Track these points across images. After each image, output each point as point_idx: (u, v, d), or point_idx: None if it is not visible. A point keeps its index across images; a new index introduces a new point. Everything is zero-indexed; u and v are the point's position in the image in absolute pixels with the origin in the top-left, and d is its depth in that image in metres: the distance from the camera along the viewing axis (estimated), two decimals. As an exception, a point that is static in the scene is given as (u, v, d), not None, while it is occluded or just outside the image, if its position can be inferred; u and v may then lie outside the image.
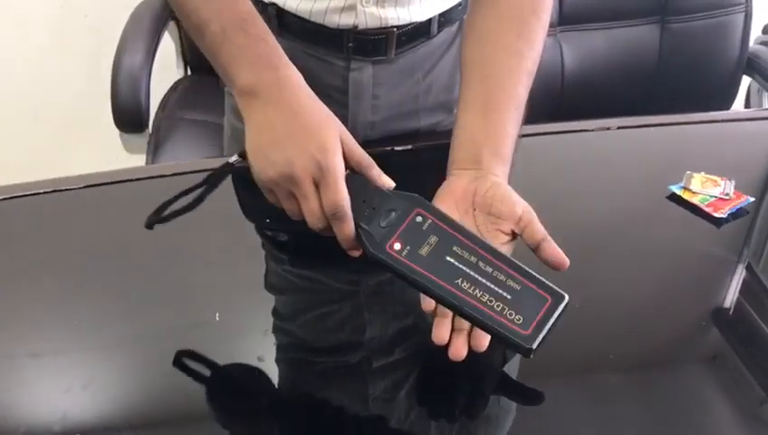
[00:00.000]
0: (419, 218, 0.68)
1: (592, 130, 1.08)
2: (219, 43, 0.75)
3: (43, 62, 2.05)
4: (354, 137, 1.00)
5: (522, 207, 0.71)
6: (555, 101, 1.64)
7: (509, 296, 0.64)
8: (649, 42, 1.64)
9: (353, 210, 0.70)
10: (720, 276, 0.87)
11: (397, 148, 0.98)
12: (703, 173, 0.94)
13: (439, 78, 1.01)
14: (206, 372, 0.73)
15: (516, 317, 0.63)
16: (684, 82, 1.65)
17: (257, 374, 0.74)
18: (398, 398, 0.70)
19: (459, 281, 0.65)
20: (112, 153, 1.49)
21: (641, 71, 1.65)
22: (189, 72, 1.82)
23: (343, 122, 0.99)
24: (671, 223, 0.93)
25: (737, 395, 0.72)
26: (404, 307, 0.80)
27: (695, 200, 0.92)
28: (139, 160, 1.51)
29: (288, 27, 0.92)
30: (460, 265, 0.66)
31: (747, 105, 1.79)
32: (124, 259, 0.86)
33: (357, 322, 0.78)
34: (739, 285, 0.85)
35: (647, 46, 1.64)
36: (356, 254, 0.71)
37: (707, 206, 0.91)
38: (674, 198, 0.93)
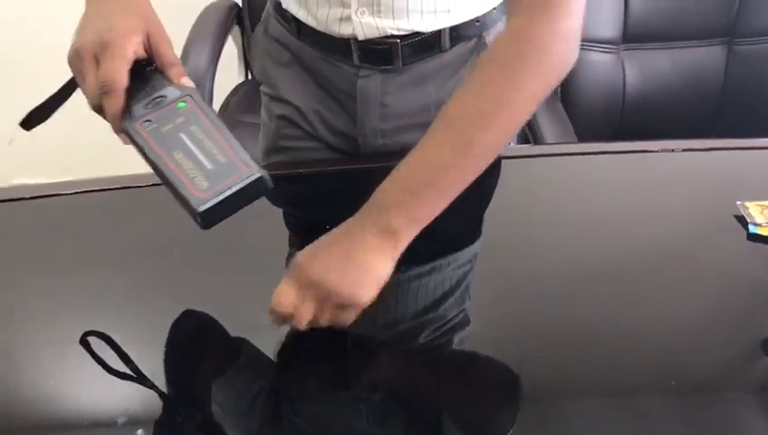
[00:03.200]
0: (182, 104, 0.71)
1: (655, 151, 1.06)
2: None
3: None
4: (365, 144, 1.03)
5: None
6: (615, 120, 1.61)
7: (210, 166, 0.66)
8: (715, 64, 1.60)
9: (134, 96, 0.71)
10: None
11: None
12: (755, 202, 0.92)
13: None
14: (220, 370, 0.75)
15: (203, 183, 0.65)
16: (750, 105, 1.61)
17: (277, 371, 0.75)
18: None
19: (176, 153, 0.67)
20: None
21: (705, 93, 1.62)
22: (250, 77, 1.85)
23: (352, 127, 1.02)
24: (744, 253, 0.89)
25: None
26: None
27: None
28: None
29: (305, 34, 0.98)
30: (187, 141, 0.68)
31: (815, 132, 1.74)
32: (166, 259, 0.87)
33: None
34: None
35: (712, 68, 1.60)
36: (126, 140, 0.72)
37: None
38: (756, 237, 0.88)
